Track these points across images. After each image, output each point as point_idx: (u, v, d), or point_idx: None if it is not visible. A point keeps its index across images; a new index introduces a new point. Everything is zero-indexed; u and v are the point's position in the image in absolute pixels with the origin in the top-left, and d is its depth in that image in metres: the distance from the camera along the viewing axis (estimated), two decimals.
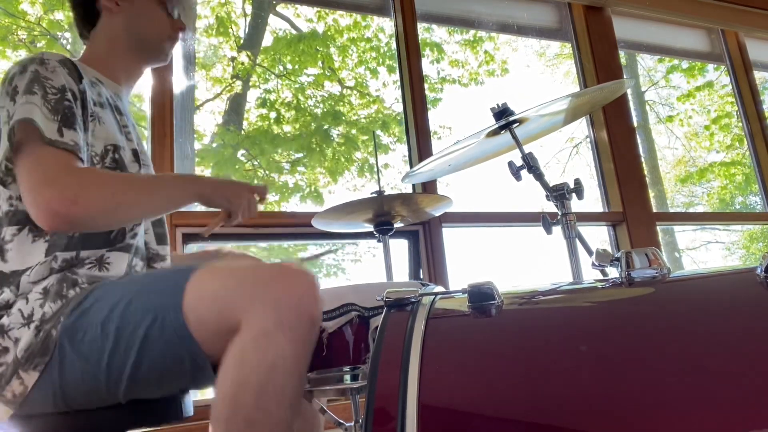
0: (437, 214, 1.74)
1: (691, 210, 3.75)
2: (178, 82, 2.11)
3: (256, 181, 2.73)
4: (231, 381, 0.81)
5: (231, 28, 2.63)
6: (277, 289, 0.84)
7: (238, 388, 0.79)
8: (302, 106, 2.71)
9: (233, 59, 2.65)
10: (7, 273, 0.96)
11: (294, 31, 2.80)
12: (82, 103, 1.02)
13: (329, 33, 2.82)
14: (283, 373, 0.81)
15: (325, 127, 2.73)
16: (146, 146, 1.64)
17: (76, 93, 1.02)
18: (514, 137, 1.43)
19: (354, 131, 2.81)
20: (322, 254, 1.44)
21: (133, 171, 1.12)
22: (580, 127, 3.03)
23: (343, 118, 2.78)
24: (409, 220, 1.67)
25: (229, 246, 1.37)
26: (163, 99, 2.01)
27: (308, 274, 0.88)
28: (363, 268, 2.54)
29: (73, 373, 0.89)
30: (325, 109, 2.74)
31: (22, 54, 2.27)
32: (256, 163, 2.74)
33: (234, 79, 2.64)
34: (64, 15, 2.37)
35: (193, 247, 2.02)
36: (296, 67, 2.75)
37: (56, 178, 0.92)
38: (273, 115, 2.69)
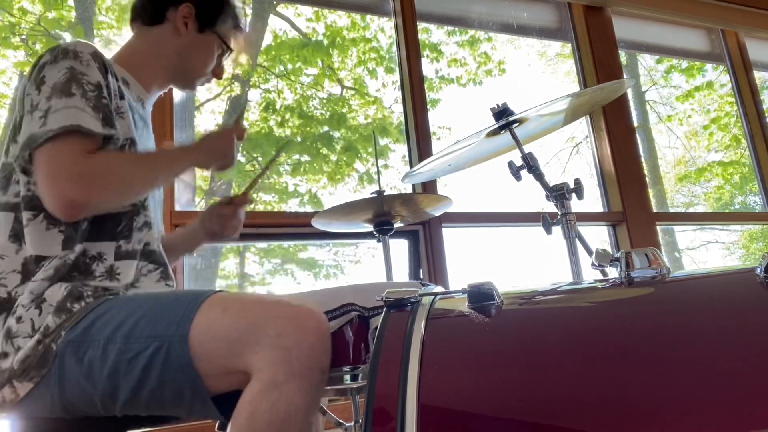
0: (437, 214, 1.75)
1: (690, 210, 3.75)
2: None
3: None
4: None
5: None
6: (290, 338, 0.82)
7: None
8: (303, 109, 2.71)
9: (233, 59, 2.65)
10: (27, 258, 0.96)
11: (294, 32, 2.80)
12: (109, 97, 1.03)
13: (328, 33, 2.82)
14: (295, 426, 0.80)
15: (325, 128, 2.73)
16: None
17: (105, 88, 1.02)
18: (514, 137, 1.43)
19: (356, 136, 2.81)
20: (267, 167, 1.41)
21: None
22: (580, 127, 3.03)
23: (347, 123, 2.78)
24: (409, 220, 1.67)
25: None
26: (163, 99, 2.00)
27: (321, 320, 0.87)
28: (363, 268, 2.54)
29: (73, 386, 0.88)
30: (327, 112, 2.73)
31: (22, 55, 2.27)
32: (256, 164, 2.74)
33: (234, 81, 2.64)
34: (56, 14, 2.37)
35: None
36: (296, 66, 2.75)
37: (74, 168, 0.92)
38: (276, 118, 2.69)
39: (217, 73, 1.30)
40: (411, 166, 2.37)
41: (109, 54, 1.17)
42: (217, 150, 1.13)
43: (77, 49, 1.01)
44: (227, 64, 1.31)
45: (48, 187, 0.92)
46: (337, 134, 2.77)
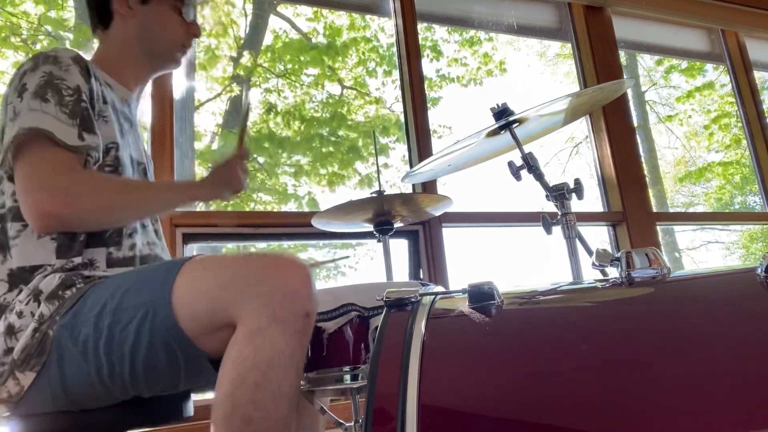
0: (437, 214, 1.74)
1: (690, 210, 3.75)
2: (178, 82, 2.11)
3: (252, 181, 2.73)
4: (228, 380, 0.80)
5: (231, 27, 2.63)
6: (271, 284, 0.83)
7: (235, 387, 0.79)
8: (303, 112, 2.71)
9: (234, 59, 2.65)
10: (15, 270, 0.96)
11: (294, 32, 2.80)
12: (91, 102, 1.02)
13: (328, 33, 2.82)
14: (280, 369, 0.80)
15: (326, 131, 2.73)
16: (147, 147, 1.64)
17: (87, 92, 1.01)
18: (514, 137, 1.43)
19: (355, 136, 2.80)
20: (333, 261, 1.45)
21: (130, 173, 1.12)
22: (580, 127, 3.03)
23: (349, 123, 2.78)
24: (409, 220, 1.67)
25: None
26: (163, 99, 2.01)
27: (301, 266, 0.87)
28: (362, 269, 2.55)
29: (74, 370, 0.89)
30: (328, 114, 2.73)
31: (22, 55, 2.27)
32: (257, 165, 2.73)
33: (234, 81, 2.64)
34: (57, 15, 2.37)
35: (193, 247, 2.02)
36: (296, 66, 2.75)
37: (49, 181, 0.92)
38: (278, 120, 2.69)
39: (193, 32, 1.24)
40: (411, 166, 2.36)
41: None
42: (225, 183, 1.16)
43: (57, 55, 1.01)
44: (199, 16, 1.26)
45: (25, 196, 0.93)
46: (339, 132, 2.76)
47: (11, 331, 0.92)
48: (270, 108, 2.67)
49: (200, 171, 2.29)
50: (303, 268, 0.87)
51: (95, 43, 1.24)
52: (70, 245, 0.98)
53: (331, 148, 2.75)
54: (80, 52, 1.08)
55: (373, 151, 2.46)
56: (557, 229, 1.40)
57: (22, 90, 0.97)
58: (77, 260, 0.98)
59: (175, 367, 0.89)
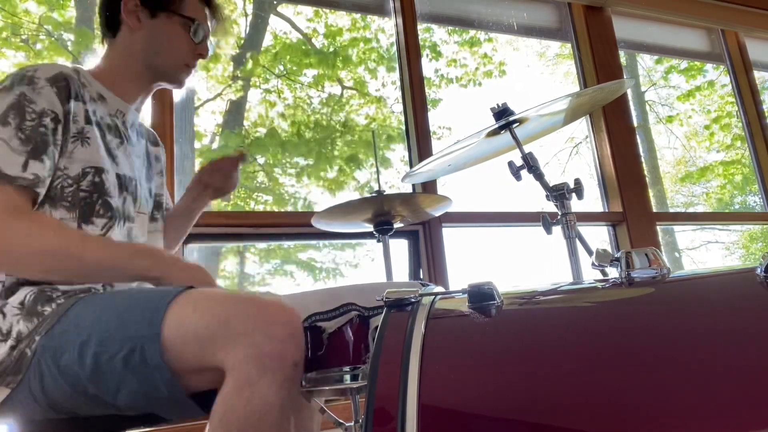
0: (437, 214, 1.75)
1: (690, 210, 3.75)
2: None
3: (256, 182, 2.72)
4: None
5: (231, 27, 2.63)
6: (260, 334, 0.82)
7: None
8: (302, 116, 2.71)
9: (234, 59, 2.65)
10: (6, 281, 0.95)
11: (295, 32, 2.80)
12: (64, 125, 0.99)
13: (328, 33, 2.82)
14: (270, 421, 0.79)
15: (330, 137, 2.73)
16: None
17: (59, 115, 0.98)
18: (514, 137, 1.43)
19: (355, 136, 2.80)
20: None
21: (115, 195, 1.08)
22: (580, 127, 3.03)
23: (348, 125, 2.78)
24: (409, 220, 1.67)
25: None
26: (163, 99, 2.01)
27: (291, 313, 0.86)
28: (362, 269, 2.54)
29: (55, 390, 0.88)
30: (329, 117, 2.73)
31: (23, 55, 2.27)
32: (258, 166, 2.73)
33: (234, 81, 2.64)
34: (59, 15, 2.37)
35: (193, 248, 2.02)
36: (294, 68, 2.75)
37: None
38: (278, 122, 2.69)
39: (199, 53, 1.21)
40: (411, 167, 2.36)
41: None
42: (184, 278, 1.00)
43: (35, 75, 0.99)
44: (210, 40, 1.24)
45: None
46: (338, 142, 2.76)
47: None
48: (270, 108, 2.67)
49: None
50: (292, 316, 0.86)
51: (96, 46, 1.24)
52: None
53: (335, 152, 2.75)
54: (70, 66, 1.05)
55: (372, 154, 2.46)
56: (557, 229, 1.40)
57: None
58: None
59: (159, 401, 0.88)
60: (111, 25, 1.18)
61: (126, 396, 0.87)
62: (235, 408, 0.79)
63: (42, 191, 0.96)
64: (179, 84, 1.23)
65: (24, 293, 0.93)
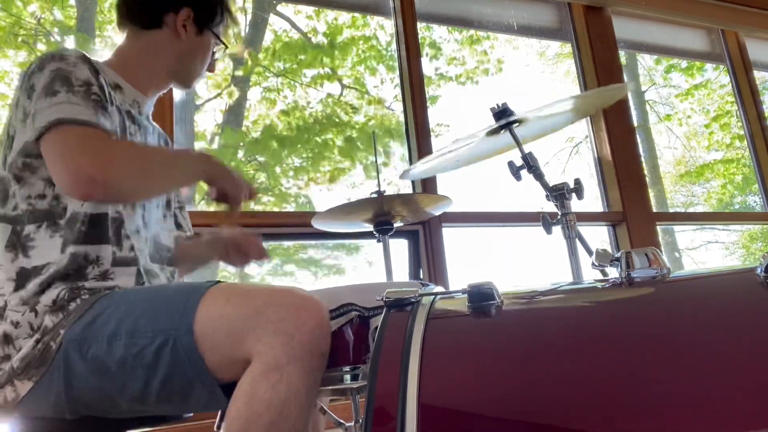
0: (437, 214, 1.74)
1: (690, 210, 3.75)
2: None
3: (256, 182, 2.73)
4: (241, 417, 0.80)
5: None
6: (291, 322, 0.84)
7: (249, 425, 0.79)
8: (299, 116, 2.71)
9: (234, 57, 2.65)
10: (29, 269, 0.96)
11: (295, 31, 2.80)
12: (102, 95, 1.01)
13: (328, 32, 2.82)
14: (295, 408, 0.81)
15: (329, 136, 2.73)
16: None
17: (97, 86, 1.00)
18: (514, 137, 1.43)
19: (354, 134, 2.80)
20: None
21: None
22: (580, 127, 3.03)
23: (348, 125, 2.78)
24: (409, 219, 1.67)
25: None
26: (162, 98, 2.00)
27: (321, 306, 0.88)
28: (362, 269, 2.55)
29: (81, 383, 0.89)
30: (327, 115, 2.73)
31: (23, 55, 2.27)
32: (258, 166, 2.73)
33: (233, 81, 2.64)
34: (62, 14, 2.37)
35: None
36: (295, 66, 2.75)
37: (88, 145, 0.91)
38: (279, 120, 2.69)
39: (211, 67, 1.28)
40: (410, 164, 2.36)
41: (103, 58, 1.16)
42: (231, 177, 1.09)
43: (63, 53, 1.00)
44: (219, 56, 1.30)
45: (63, 166, 0.89)
46: (338, 142, 2.76)
47: (8, 340, 0.92)
48: (271, 107, 2.67)
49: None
50: (322, 308, 0.88)
51: (95, 47, 1.24)
52: (69, 239, 0.97)
53: (335, 153, 2.75)
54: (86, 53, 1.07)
55: (372, 151, 2.46)
56: (557, 229, 1.40)
57: (31, 91, 0.96)
58: (70, 250, 0.96)
59: (188, 393, 0.89)
60: (147, 19, 1.17)
61: (155, 389, 0.87)
62: (260, 391, 0.80)
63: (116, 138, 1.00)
64: (189, 88, 1.29)
65: (57, 291, 0.93)
